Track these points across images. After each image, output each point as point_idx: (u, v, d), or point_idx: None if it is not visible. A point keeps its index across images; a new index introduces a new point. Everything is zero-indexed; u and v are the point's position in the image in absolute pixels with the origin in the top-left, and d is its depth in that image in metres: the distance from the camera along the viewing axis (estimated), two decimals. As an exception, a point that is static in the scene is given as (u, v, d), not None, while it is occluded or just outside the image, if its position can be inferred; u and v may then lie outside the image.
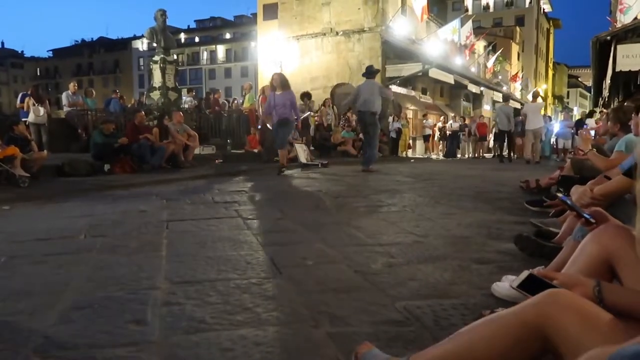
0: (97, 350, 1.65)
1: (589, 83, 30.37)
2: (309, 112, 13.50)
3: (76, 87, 12.62)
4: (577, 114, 42.02)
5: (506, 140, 13.81)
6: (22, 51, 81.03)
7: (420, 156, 18.50)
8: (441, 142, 19.47)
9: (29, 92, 10.84)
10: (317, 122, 13.98)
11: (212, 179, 7.76)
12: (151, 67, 11.72)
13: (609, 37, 11.52)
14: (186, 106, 13.39)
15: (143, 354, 1.63)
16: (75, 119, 11.81)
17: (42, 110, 10.37)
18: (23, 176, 6.27)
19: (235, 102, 16.62)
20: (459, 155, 18.23)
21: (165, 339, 1.76)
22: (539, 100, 14.47)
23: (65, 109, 12.20)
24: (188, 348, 1.68)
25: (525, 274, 1.34)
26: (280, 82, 7.97)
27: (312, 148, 12.27)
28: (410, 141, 18.56)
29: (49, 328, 1.85)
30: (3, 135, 6.95)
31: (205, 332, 1.81)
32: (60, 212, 4.62)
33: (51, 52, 76.77)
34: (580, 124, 15.18)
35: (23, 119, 9.49)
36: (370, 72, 8.91)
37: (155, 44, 11.71)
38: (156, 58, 11.39)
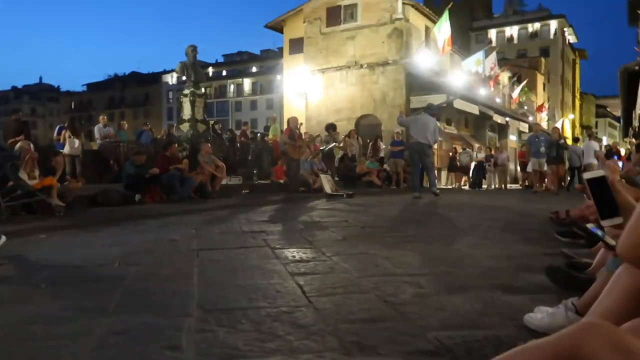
0: (136, 375, 1.70)
1: (618, 113, 29.88)
2: (334, 144, 13.66)
3: (106, 120, 13.14)
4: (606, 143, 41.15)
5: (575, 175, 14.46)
6: (59, 86, 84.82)
7: (445, 187, 18.32)
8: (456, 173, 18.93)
9: (65, 125, 11.31)
10: (342, 153, 14.10)
11: (239, 209, 7.88)
12: (181, 100, 12.10)
13: (637, 67, 11.47)
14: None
15: (180, 379, 1.67)
16: (108, 151, 12.23)
17: (77, 142, 10.78)
18: (59, 205, 6.50)
19: (258, 135, 16.90)
20: (484, 186, 17.97)
21: (200, 364, 1.80)
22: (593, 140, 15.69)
23: (98, 141, 12.67)
24: (223, 374, 1.71)
25: (600, 172, 1.32)
26: None
27: (336, 179, 12.35)
28: (435, 172, 18.41)
29: (89, 353, 1.91)
30: (41, 165, 7.25)
31: (239, 358, 1.84)
32: (94, 241, 4.76)
33: (85, 86, 80.00)
34: (610, 154, 15.04)
35: (60, 151, 9.88)
36: (430, 109, 10.11)
37: (185, 78, 12.14)
38: (186, 91, 11.77)
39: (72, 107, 73.29)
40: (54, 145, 11.51)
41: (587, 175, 1.31)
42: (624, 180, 3.16)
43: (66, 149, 10.50)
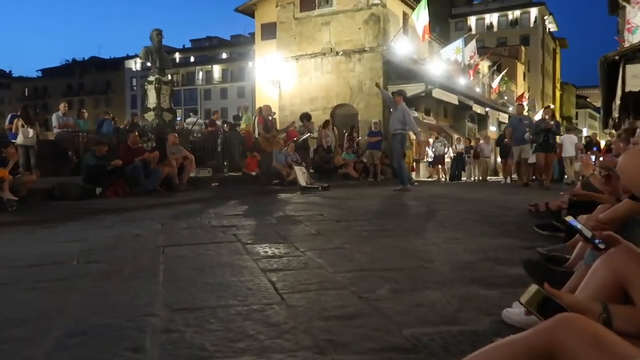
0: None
1: (598, 104, 30.08)
2: (308, 134, 13.40)
3: (67, 108, 12.53)
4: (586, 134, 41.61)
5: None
6: (10, 71, 79.22)
7: (424, 179, 18.26)
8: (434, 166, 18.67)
9: (18, 113, 10.68)
10: (317, 144, 13.85)
11: (208, 202, 7.67)
12: (146, 87, 11.53)
13: (617, 57, 11.27)
14: (197, 127, 13.41)
15: (142, 387, 1.56)
16: (66, 141, 11.63)
17: (31, 132, 10.04)
18: (11, 200, 6.11)
19: (225, 125, 16.38)
20: (463, 178, 17.70)
21: (164, 369, 1.69)
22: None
23: (55, 130, 12.05)
24: (189, 379, 1.60)
25: (533, 288, 1.30)
26: None
27: (311, 171, 12.11)
28: (414, 163, 18.17)
29: (46, 356, 1.80)
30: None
31: (206, 359, 1.76)
32: (51, 238, 4.54)
33: (40, 72, 75.93)
34: (590, 145, 15.28)
35: (11, 141, 9.34)
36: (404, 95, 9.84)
37: (150, 64, 11.64)
38: (151, 78, 11.24)
39: (26, 94, 69.47)
40: (6, 135, 10.76)
41: (523, 300, 1.30)
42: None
43: (19, 139, 9.82)
